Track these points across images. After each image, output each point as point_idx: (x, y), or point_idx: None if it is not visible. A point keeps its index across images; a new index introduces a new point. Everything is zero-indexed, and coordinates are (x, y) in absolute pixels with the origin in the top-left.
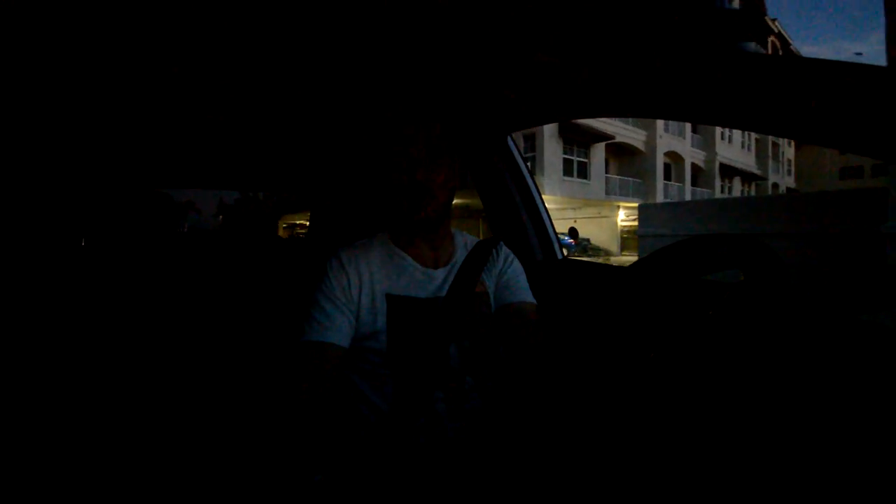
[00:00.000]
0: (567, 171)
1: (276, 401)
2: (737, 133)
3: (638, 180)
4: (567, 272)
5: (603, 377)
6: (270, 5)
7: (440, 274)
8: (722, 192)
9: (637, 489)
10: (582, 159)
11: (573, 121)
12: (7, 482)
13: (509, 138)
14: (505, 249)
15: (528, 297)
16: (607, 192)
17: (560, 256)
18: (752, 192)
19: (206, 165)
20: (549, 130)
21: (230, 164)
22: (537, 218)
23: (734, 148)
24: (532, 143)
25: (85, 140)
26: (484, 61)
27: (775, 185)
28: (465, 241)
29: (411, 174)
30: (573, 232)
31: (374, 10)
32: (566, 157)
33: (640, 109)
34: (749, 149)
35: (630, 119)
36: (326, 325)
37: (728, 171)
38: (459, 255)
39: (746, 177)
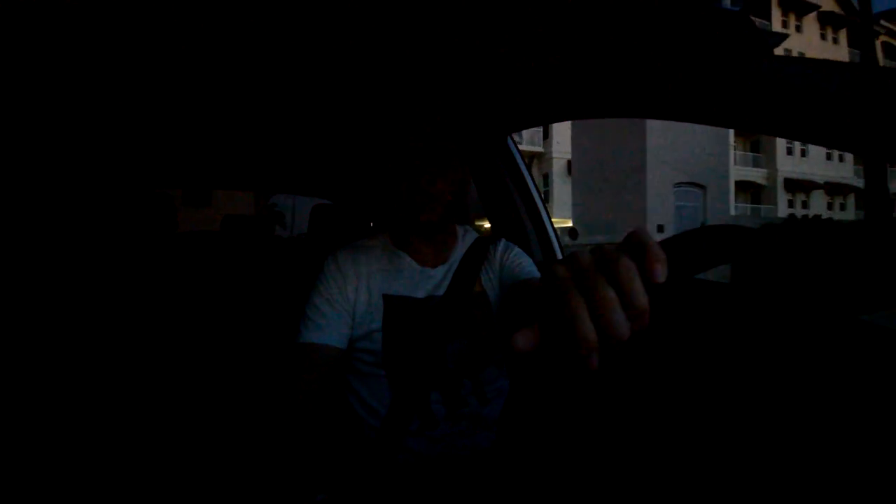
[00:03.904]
0: None
1: (272, 402)
2: (818, 147)
3: None
4: None
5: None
6: (271, 5)
7: (438, 272)
8: (791, 206)
9: (638, 489)
10: None
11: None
12: (6, 482)
13: (509, 138)
14: (503, 244)
15: (536, 273)
16: None
17: (560, 256)
18: (848, 205)
19: (207, 166)
20: (558, 171)
21: (231, 165)
22: (537, 218)
23: (812, 161)
24: (546, 181)
25: (85, 140)
26: (484, 61)
27: None
28: (465, 236)
29: (414, 179)
30: (573, 232)
31: (373, 9)
32: None
33: (641, 109)
34: (843, 159)
35: None
36: (323, 325)
37: (800, 186)
38: (459, 252)
39: (834, 189)
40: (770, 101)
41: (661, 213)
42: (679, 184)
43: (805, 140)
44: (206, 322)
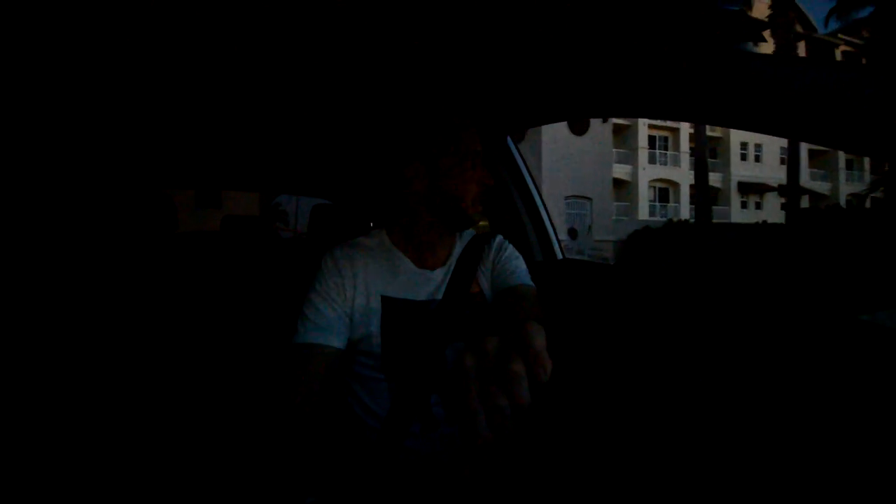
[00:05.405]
0: None
1: (271, 403)
2: (772, 152)
3: (625, 203)
4: (567, 272)
5: (602, 374)
6: (273, 6)
7: (437, 275)
8: (745, 208)
9: (637, 489)
10: None
11: None
12: (6, 482)
13: (509, 138)
14: (498, 241)
15: (526, 280)
16: None
17: (560, 256)
18: (803, 206)
19: (211, 167)
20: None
21: (231, 165)
22: (537, 218)
23: (765, 165)
24: None
25: (86, 140)
26: (485, 61)
27: (858, 196)
28: (462, 235)
29: (470, 177)
30: (573, 232)
31: (375, 10)
32: None
33: (641, 109)
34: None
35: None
36: (321, 325)
37: (753, 188)
38: (457, 252)
39: (784, 191)
40: (771, 100)
41: (554, 219)
42: (569, 196)
43: (807, 140)
44: (205, 322)
